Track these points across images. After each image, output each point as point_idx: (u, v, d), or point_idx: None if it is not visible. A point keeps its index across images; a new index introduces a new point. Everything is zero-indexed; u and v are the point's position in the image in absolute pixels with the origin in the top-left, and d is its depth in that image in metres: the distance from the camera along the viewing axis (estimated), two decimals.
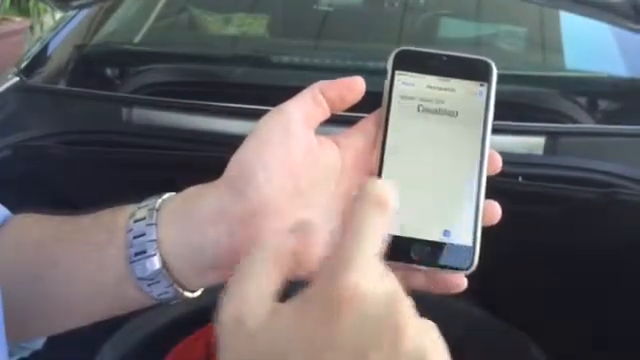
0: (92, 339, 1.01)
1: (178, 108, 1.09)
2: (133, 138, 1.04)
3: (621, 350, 1.04)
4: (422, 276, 0.38)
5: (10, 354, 0.46)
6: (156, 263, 0.40)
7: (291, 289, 0.33)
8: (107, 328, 0.98)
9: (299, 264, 0.33)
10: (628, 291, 1.03)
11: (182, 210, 0.37)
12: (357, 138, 0.40)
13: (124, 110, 1.09)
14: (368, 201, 0.33)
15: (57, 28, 1.46)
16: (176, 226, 0.38)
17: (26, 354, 0.49)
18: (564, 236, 1.05)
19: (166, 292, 0.40)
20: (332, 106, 0.40)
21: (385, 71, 0.41)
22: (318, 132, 0.40)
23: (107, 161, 1.05)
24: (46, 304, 0.44)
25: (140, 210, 0.42)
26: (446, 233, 0.38)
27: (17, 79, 1.18)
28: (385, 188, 0.33)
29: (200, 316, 1.08)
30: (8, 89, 1.16)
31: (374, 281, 0.31)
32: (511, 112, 1.01)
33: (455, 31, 1.65)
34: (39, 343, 0.49)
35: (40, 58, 1.34)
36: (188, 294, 0.40)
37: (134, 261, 0.41)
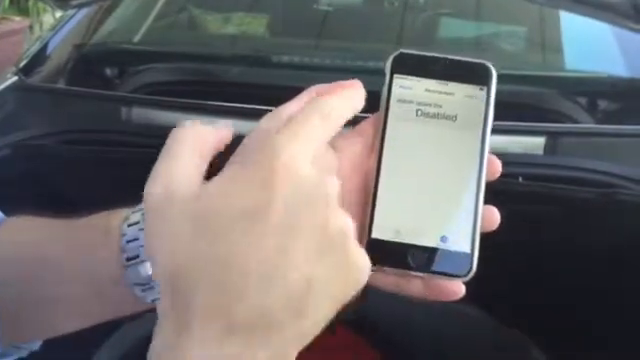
0: (90, 340, 1.01)
1: (177, 107, 1.09)
2: (132, 137, 1.04)
3: (621, 350, 1.04)
4: (419, 283, 0.38)
5: (5, 354, 0.46)
6: (149, 268, 0.39)
7: None
8: (105, 329, 0.98)
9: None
10: (628, 291, 1.03)
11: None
12: (355, 141, 0.40)
13: (123, 109, 1.09)
14: (333, 92, 0.35)
15: (56, 27, 1.46)
16: None
17: (24, 354, 0.48)
18: (564, 236, 1.05)
19: (160, 297, 0.40)
20: None
21: (384, 72, 0.40)
22: None
23: (106, 160, 1.05)
24: (40, 306, 0.44)
25: (134, 214, 0.41)
26: (444, 239, 0.37)
27: (16, 78, 1.18)
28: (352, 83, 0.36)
29: None
30: (7, 88, 1.16)
31: (308, 160, 0.32)
32: (511, 112, 1.01)
33: (455, 31, 1.65)
34: (36, 343, 0.49)
35: (39, 57, 1.34)
36: None
37: (128, 266, 0.40)
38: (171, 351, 0.29)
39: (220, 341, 0.29)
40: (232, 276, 0.29)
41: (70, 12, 1.44)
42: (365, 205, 0.38)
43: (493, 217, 0.38)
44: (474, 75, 0.40)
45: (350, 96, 0.37)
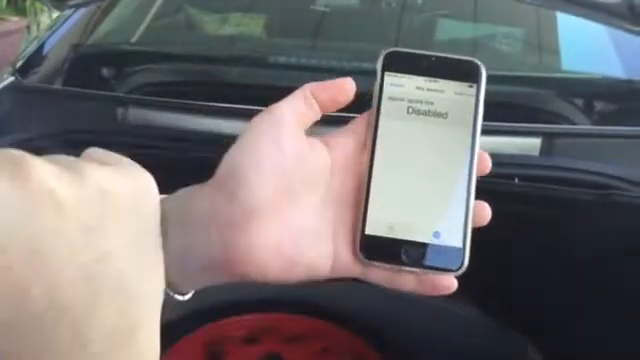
0: None
1: (174, 108, 1.09)
2: (129, 138, 1.04)
3: (619, 350, 1.04)
4: (411, 278, 0.38)
5: None
6: None
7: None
8: None
9: None
10: (626, 291, 1.03)
11: (172, 212, 0.37)
12: (347, 139, 0.40)
13: (120, 110, 1.09)
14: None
15: (53, 28, 1.46)
16: (168, 227, 0.38)
17: None
18: (560, 237, 1.06)
19: None
20: (323, 107, 0.40)
21: (375, 71, 0.41)
22: (313, 131, 0.40)
23: None
24: None
25: None
26: (436, 234, 0.38)
27: (13, 79, 1.18)
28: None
29: (197, 317, 1.09)
30: (4, 89, 1.16)
31: None
32: (507, 113, 1.01)
33: (452, 32, 1.65)
34: None
35: (36, 58, 1.34)
36: (179, 297, 0.39)
37: None
38: None
39: None
40: None
41: (67, 12, 1.44)
42: (358, 202, 0.39)
43: (484, 212, 0.39)
44: (464, 72, 0.40)
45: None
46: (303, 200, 0.38)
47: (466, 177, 0.39)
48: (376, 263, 0.38)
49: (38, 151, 0.31)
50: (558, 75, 1.49)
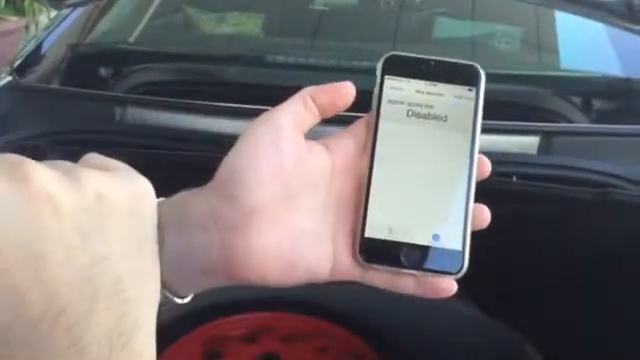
0: None
1: (172, 107, 1.08)
2: (127, 137, 1.04)
3: (617, 349, 1.04)
4: (411, 280, 0.38)
5: None
6: None
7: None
8: None
9: None
10: (625, 290, 1.03)
11: (171, 214, 0.37)
12: (347, 142, 0.40)
13: (118, 109, 1.09)
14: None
15: (51, 27, 1.46)
16: (165, 231, 0.38)
17: None
18: (558, 235, 1.06)
19: None
20: (322, 111, 0.40)
21: (375, 74, 0.41)
22: (314, 131, 0.40)
23: None
24: None
25: None
26: (436, 237, 0.38)
27: (10, 78, 1.18)
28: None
29: (195, 316, 1.08)
30: (1, 88, 1.16)
31: None
32: (505, 111, 1.01)
33: (451, 31, 1.65)
34: None
35: (34, 57, 1.34)
36: (178, 300, 0.39)
37: None
38: None
39: None
40: None
41: (65, 12, 1.43)
42: (358, 205, 0.39)
43: (484, 215, 0.39)
44: (463, 76, 0.41)
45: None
46: (303, 203, 0.38)
47: (465, 180, 0.39)
48: (376, 266, 0.38)
49: (36, 150, 0.31)
50: (556, 73, 1.49)
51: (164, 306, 0.39)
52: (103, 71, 1.38)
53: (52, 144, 1.02)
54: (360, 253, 0.38)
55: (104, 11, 1.55)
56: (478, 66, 0.41)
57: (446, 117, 0.40)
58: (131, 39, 1.54)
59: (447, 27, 1.65)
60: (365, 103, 0.41)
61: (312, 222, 0.38)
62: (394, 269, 0.38)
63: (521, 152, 1.03)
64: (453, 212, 0.38)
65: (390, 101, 0.40)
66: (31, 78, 1.25)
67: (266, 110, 0.39)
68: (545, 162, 1.02)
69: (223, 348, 1.15)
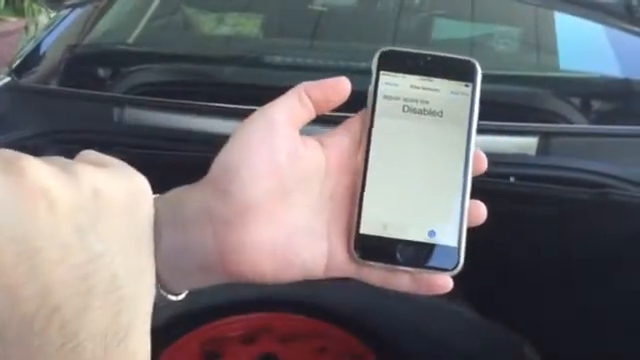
0: None
1: (170, 108, 1.08)
2: (125, 138, 1.04)
3: (616, 349, 1.04)
4: (406, 277, 0.38)
5: None
6: None
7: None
8: None
9: None
10: (623, 290, 1.03)
11: (166, 211, 0.37)
12: (342, 138, 0.40)
13: (116, 110, 1.09)
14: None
15: (50, 27, 1.46)
16: (161, 227, 0.37)
17: None
18: (557, 236, 1.06)
19: None
20: (318, 107, 0.40)
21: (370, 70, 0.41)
22: (310, 132, 0.40)
23: None
24: None
25: None
26: (431, 233, 0.38)
27: (9, 79, 1.18)
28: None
29: (194, 317, 1.08)
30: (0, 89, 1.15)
31: None
32: (504, 112, 1.01)
33: (449, 31, 1.65)
34: None
35: (32, 58, 1.34)
36: (172, 297, 0.39)
37: None
38: None
39: None
40: None
41: (64, 12, 1.43)
42: (353, 201, 0.38)
43: (480, 211, 0.39)
44: (459, 72, 0.40)
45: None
46: (297, 199, 0.38)
47: (461, 176, 0.38)
48: (371, 262, 0.38)
49: (34, 150, 0.31)
50: (555, 74, 1.49)
51: (159, 304, 0.39)
52: (102, 72, 1.38)
53: (51, 144, 1.02)
54: (355, 250, 0.37)
55: (103, 12, 1.55)
56: (474, 61, 0.40)
57: (442, 113, 0.39)
58: (130, 40, 1.54)
59: (446, 28, 1.65)
60: (364, 103, 0.41)
61: (307, 218, 0.38)
62: (389, 266, 0.38)
63: (519, 153, 1.03)
64: (449, 208, 0.38)
65: (385, 97, 0.40)
66: (30, 79, 1.25)
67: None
68: (543, 163, 1.02)
69: (222, 349, 1.15)
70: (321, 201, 0.39)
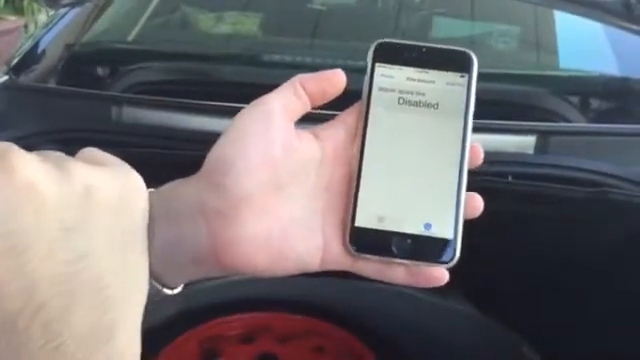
0: None
1: (169, 107, 1.08)
2: (123, 137, 1.03)
3: (616, 349, 1.04)
4: (402, 270, 0.38)
5: None
6: None
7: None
8: None
9: None
10: (622, 289, 1.03)
11: (160, 205, 0.37)
12: (337, 130, 0.40)
13: (115, 109, 1.09)
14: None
15: (48, 26, 1.46)
16: (155, 221, 0.37)
17: None
18: (555, 235, 1.05)
19: None
20: (313, 99, 0.39)
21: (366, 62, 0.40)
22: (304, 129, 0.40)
23: None
24: None
25: None
26: (427, 226, 0.38)
27: (7, 77, 1.18)
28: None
29: (192, 316, 1.08)
30: None
31: None
32: (502, 111, 1.01)
33: (449, 30, 1.65)
34: None
35: (31, 56, 1.33)
36: (167, 291, 0.39)
37: None
38: None
39: None
40: None
41: (62, 11, 1.43)
42: (348, 194, 0.38)
43: (476, 204, 0.39)
44: (455, 63, 0.40)
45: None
46: (292, 192, 0.38)
47: (457, 168, 0.38)
48: (366, 255, 0.37)
49: (31, 149, 0.30)
50: (554, 73, 1.49)
51: (154, 298, 0.39)
52: (100, 70, 1.38)
53: (49, 143, 1.01)
54: (350, 243, 0.37)
55: (101, 10, 1.54)
56: (470, 52, 0.40)
57: (438, 104, 0.39)
58: (128, 38, 1.54)
59: (445, 26, 1.65)
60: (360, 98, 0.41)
61: (302, 211, 0.38)
62: (385, 259, 0.37)
63: (518, 151, 1.03)
64: (445, 201, 0.38)
65: (381, 89, 0.40)
66: (28, 77, 1.24)
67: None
68: (542, 162, 1.02)
69: (220, 348, 1.15)
70: (316, 194, 0.38)
